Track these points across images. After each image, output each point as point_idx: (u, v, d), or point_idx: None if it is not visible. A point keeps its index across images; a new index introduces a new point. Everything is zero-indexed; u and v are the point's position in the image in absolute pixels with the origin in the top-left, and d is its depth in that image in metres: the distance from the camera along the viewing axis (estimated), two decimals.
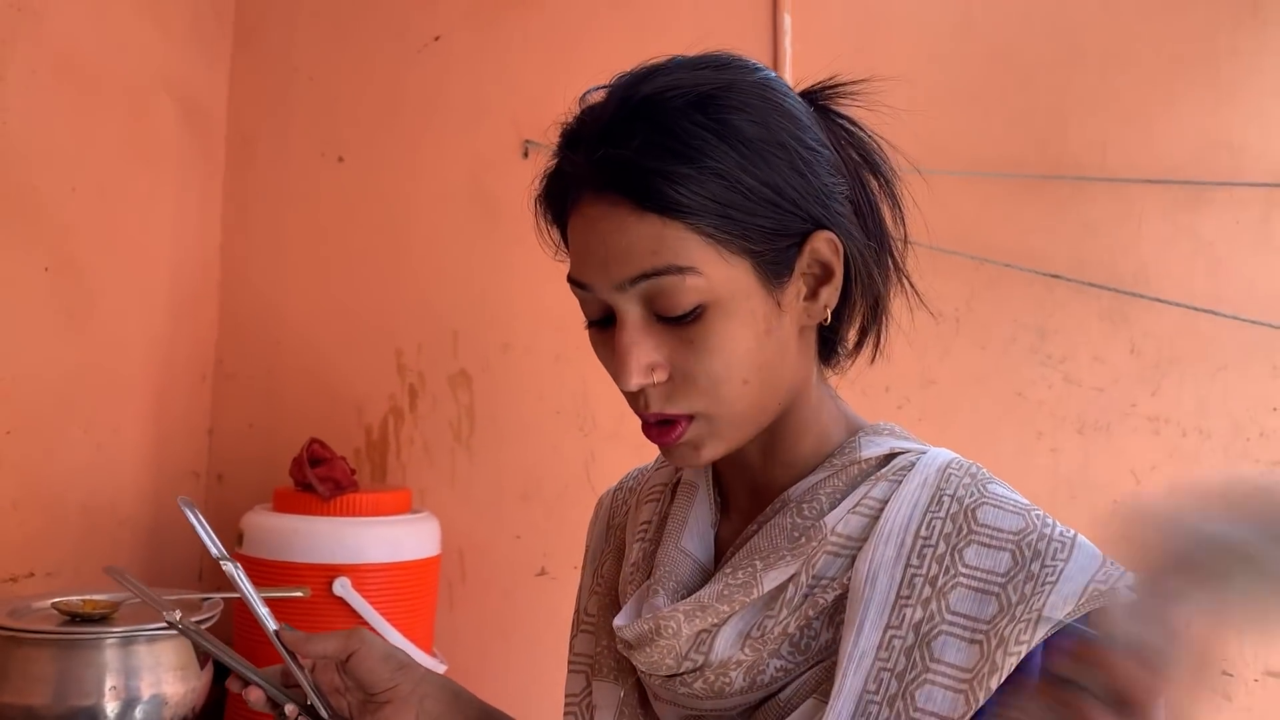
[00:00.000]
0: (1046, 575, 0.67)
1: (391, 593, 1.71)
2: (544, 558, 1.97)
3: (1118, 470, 1.80)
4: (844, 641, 0.68)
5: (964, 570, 0.69)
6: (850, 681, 0.67)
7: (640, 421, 0.74)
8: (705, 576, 0.77)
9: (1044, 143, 1.85)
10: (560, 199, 0.74)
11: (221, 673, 1.62)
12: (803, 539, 0.72)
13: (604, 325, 0.72)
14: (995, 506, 0.71)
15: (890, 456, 0.75)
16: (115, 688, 1.35)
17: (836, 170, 0.73)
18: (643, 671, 0.77)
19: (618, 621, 0.77)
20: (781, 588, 0.72)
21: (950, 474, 0.73)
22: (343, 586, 1.65)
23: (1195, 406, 1.78)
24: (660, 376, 0.70)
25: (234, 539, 1.77)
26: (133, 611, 1.47)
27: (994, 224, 1.85)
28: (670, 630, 0.72)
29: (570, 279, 0.72)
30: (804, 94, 0.77)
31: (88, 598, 1.46)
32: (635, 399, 0.72)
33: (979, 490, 0.72)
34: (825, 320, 0.74)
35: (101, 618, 1.42)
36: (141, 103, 1.91)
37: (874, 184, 0.78)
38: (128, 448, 1.90)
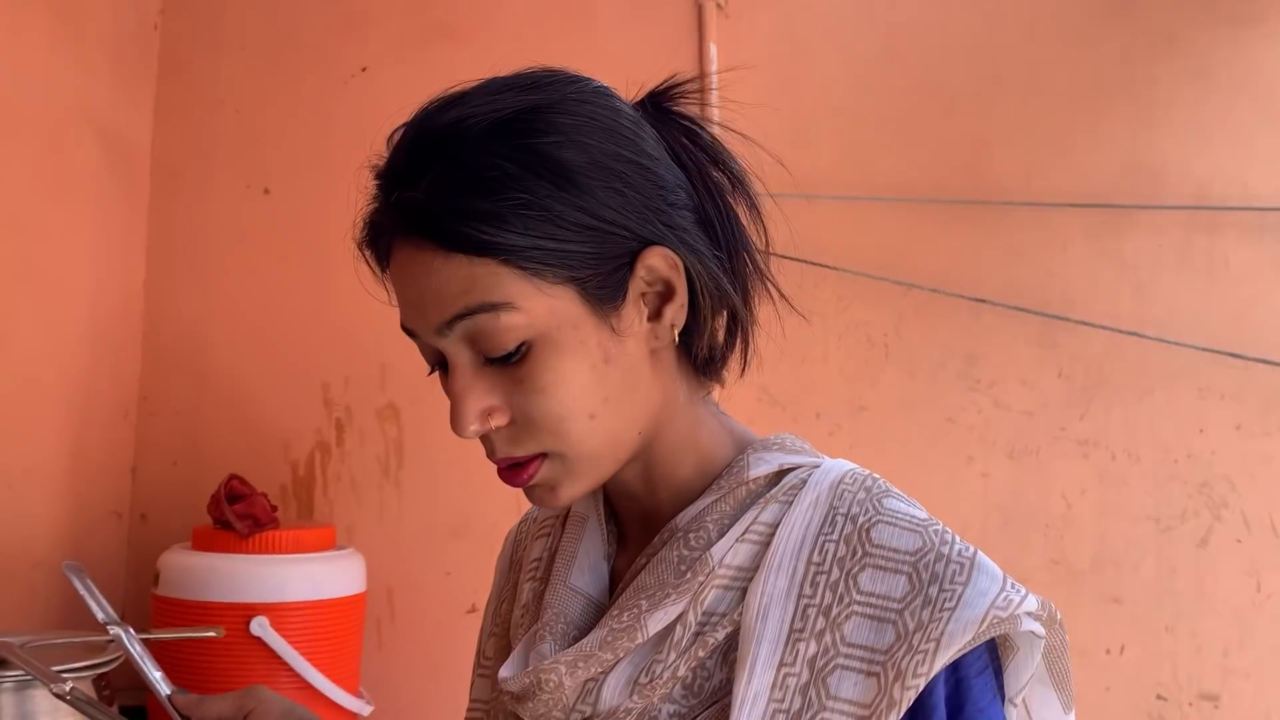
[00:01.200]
0: (944, 600, 0.63)
1: (313, 632, 1.67)
2: (475, 595, 1.93)
3: (1048, 494, 1.80)
4: (736, 683, 0.64)
5: (859, 597, 0.65)
6: None
7: (498, 471, 0.70)
8: (599, 612, 0.73)
9: (968, 168, 1.87)
10: (376, 244, 0.70)
11: (134, 714, 1.57)
12: (689, 573, 0.68)
13: (445, 371, 0.69)
14: (890, 524, 0.67)
15: (781, 474, 0.72)
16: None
17: (675, 180, 0.69)
18: None
19: (502, 673, 0.73)
20: (669, 628, 0.68)
21: (844, 490, 0.70)
22: (260, 626, 1.60)
23: (1123, 429, 1.78)
24: (500, 420, 0.66)
25: (150, 579, 1.72)
26: (34, 653, 1.41)
27: (921, 249, 1.85)
28: (552, 684, 0.68)
29: (401, 326, 0.69)
30: (644, 101, 0.74)
31: None
32: (485, 443, 0.68)
33: (874, 507, 0.68)
34: (673, 340, 0.69)
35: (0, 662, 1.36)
36: (60, 136, 1.87)
37: (724, 188, 0.73)
38: (42, 488, 1.84)
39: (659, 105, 0.73)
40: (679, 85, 0.74)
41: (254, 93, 2.08)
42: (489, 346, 0.65)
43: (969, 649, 0.63)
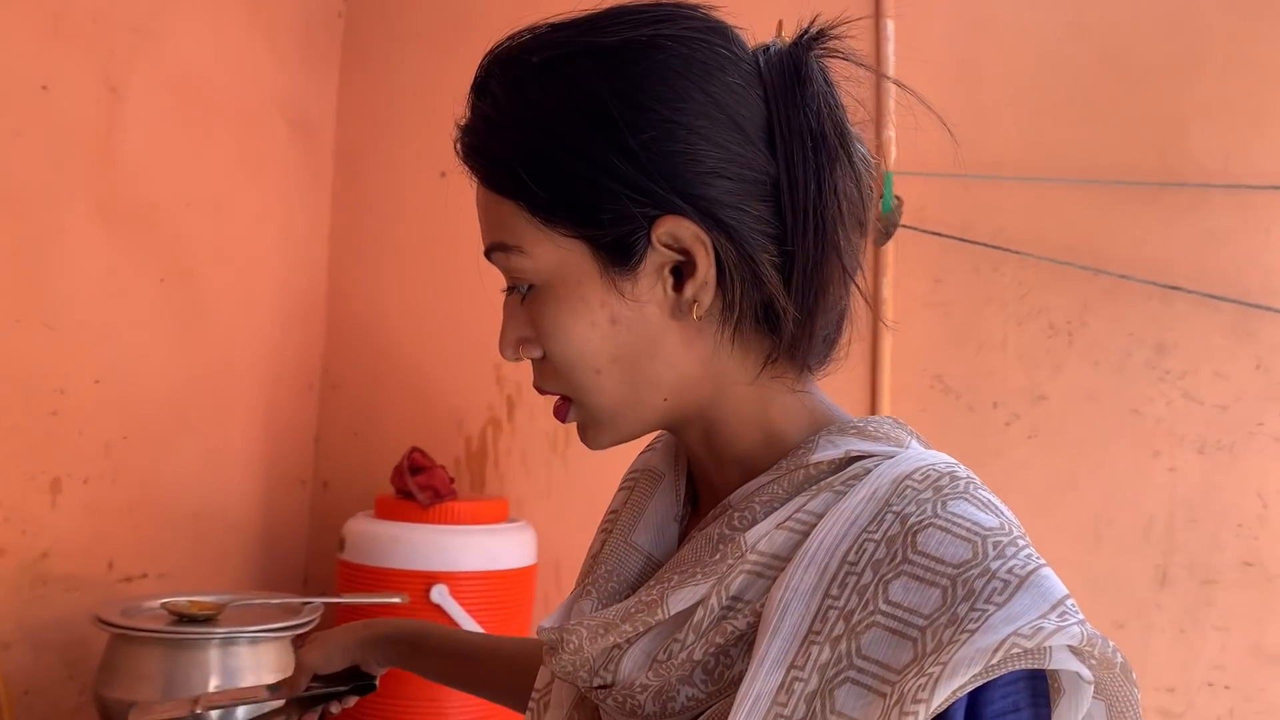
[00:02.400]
0: (970, 621, 0.55)
1: (487, 601, 1.72)
2: None
3: (1242, 492, 1.70)
4: (745, 679, 0.59)
5: (884, 607, 0.57)
6: None
7: None
8: (655, 573, 0.70)
9: (1162, 149, 1.77)
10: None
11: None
12: (719, 554, 0.64)
13: None
14: (943, 530, 0.59)
15: (848, 462, 0.65)
16: (219, 686, 1.38)
17: (742, 153, 0.64)
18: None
19: (543, 622, 0.71)
20: (691, 610, 0.64)
21: (907, 486, 0.62)
22: (440, 594, 1.66)
23: None
24: (532, 353, 0.68)
25: (336, 545, 1.80)
26: (237, 613, 1.51)
27: (1108, 233, 1.78)
28: (572, 646, 0.67)
29: None
30: (793, 47, 0.67)
31: (195, 599, 1.50)
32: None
33: (934, 508, 0.60)
34: (699, 314, 0.65)
35: (207, 619, 1.46)
36: (254, 120, 1.97)
37: (825, 172, 0.65)
38: (237, 455, 1.96)
39: (810, 55, 0.67)
40: (832, 30, 0.67)
41: (432, 78, 2.14)
42: (512, 282, 0.68)
43: (979, 681, 0.54)
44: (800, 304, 0.65)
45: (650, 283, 0.65)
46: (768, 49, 0.67)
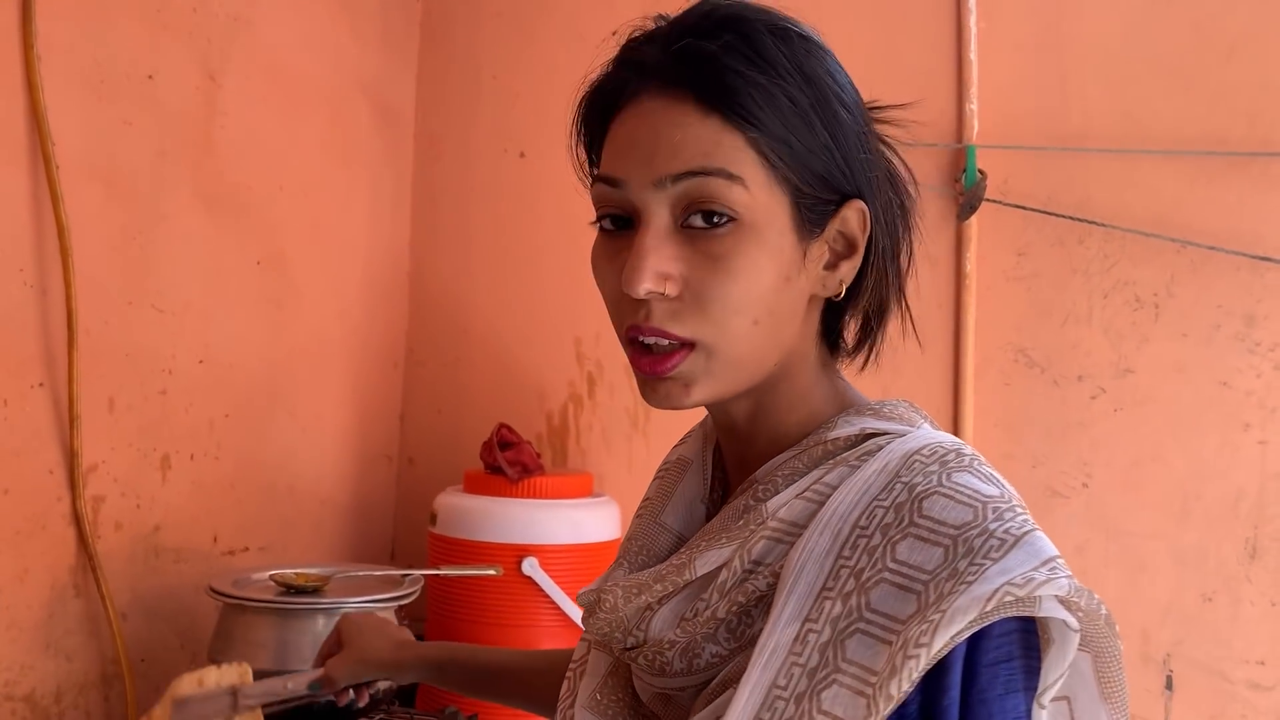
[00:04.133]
0: (969, 574, 0.59)
1: (575, 574, 1.76)
2: None
3: None
4: (763, 633, 0.64)
5: (892, 564, 0.62)
6: (758, 675, 0.62)
7: (633, 353, 0.70)
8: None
9: (1252, 117, 1.75)
10: (610, 100, 0.72)
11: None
12: (741, 522, 0.69)
13: (617, 231, 0.70)
14: (946, 497, 0.63)
15: (864, 439, 0.70)
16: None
17: (881, 159, 0.74)
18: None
19: (581, 590, 0.76)
20: (716, 571, 0.68)
21: (915, 461, 0.66)
22: (531, 566, 1.71)
23: None
24: (671, 290, 0.66)
25: (427, 518, 1.85)
26: (341, 585, 1.56)
27: (1197, 204, 1.76)
28: (608, 604, 0.71)
29: (600, 176, 0.70)
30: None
31: (300, 571, 1.56)
32: (635, 310, 0.68)
33: (939, 479, 0.65)
34: (838, 294, 0.72)
35: (314, 589, 1.51)
36: (339, 104, 2.02)
37: (905, 183, 0.77)
38: (329, 432, 2.01)
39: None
40: (883, 108, 0.76)
41: (509, 60, 2.17)
42: (703, 210, 0.66)
43: (976, 627, 0.58)
44: (880, 297, 0.75)
45: (819, 254, 0.70)
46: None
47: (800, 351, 0.73)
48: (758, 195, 0.66)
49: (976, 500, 0.63)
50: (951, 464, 0.66)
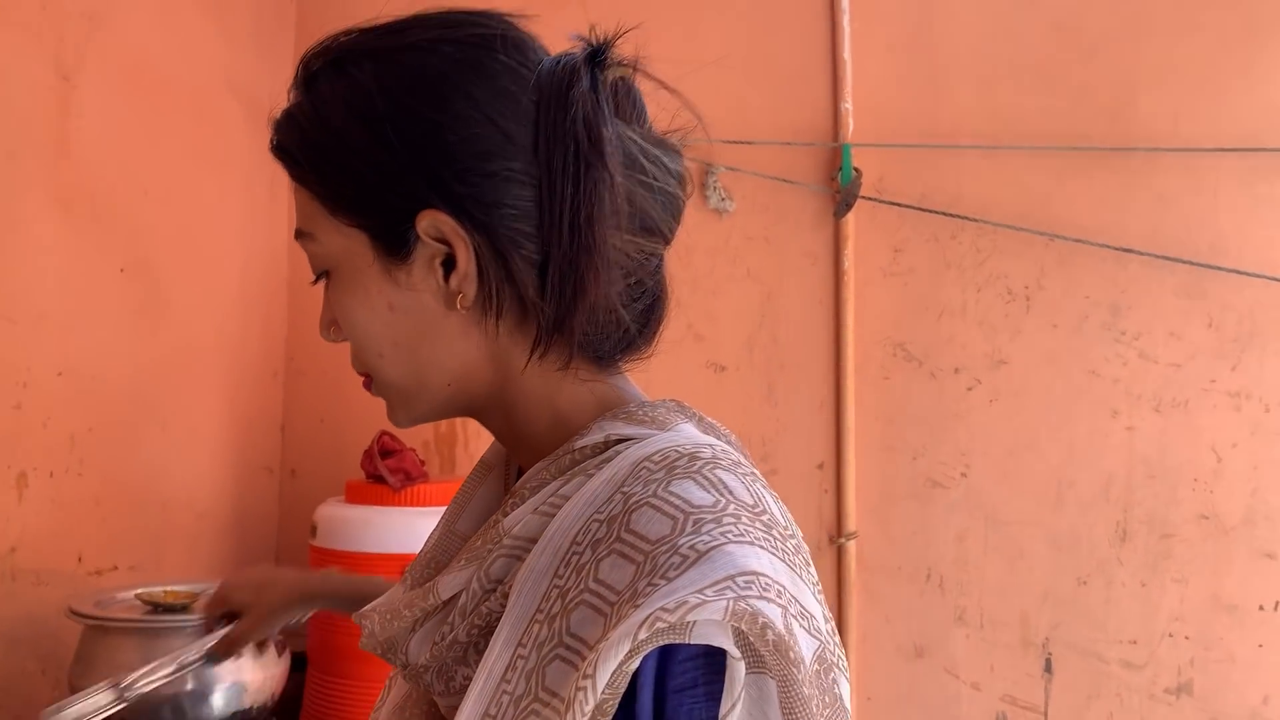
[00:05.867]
0: (641, 596, 0.55)
1: None
2: None
3: (1197, 448, 1.76)
4: (481, 662, 0.61)
5: (592, 585, 0.58)
6: (472, 706, 0.59)
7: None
8: None
9: (1113, 114, 1.81)
10: None
11: (299, 662, 1.65)
12: (481, 541, 0.66)
13: None
14: (654, 508, 0.59)
15: (609, 445, 0.66)
16: (197, 674, 1.38)
17: (504, 149, 0.66)
18: None
19: (356, 611, 0.74)
20: (457, 595, 0.66)
21: (643, 468, 0.62)
22: None
23: (1278, 381, 1.73)
24: (336, 335, 0.72)
25: (306, 531, 1.80)
26: None
27: (1064, 199, 1.81)
28: (367, 629, 0.71)
29: None
30: (567, 57, 0.68)
31: (170, 588, 1.50)
32: None
33: (656, 488, 0.60)
34: (463, 307, 0.67)
35: (182, 607, 1.45)
36: (206, 105, 1.95)
37: (584, 168, 0.66)
38: (205, 444, 1.94)
39: (595, 66, 0.68)
40: (615, 48, 0.69)
41: None
42: (312, 268, 0.71)
43: (636, 658, 0.54)
44: (556, 300, 0.66)
45: (423, 273, 0.67)
46: (557, 60, 0.68)
47: (497, 363, 0.69)
48: (329, 243, 0.68)
49: (681, 511, 0.59)
50: (679, 470, 0.61)
